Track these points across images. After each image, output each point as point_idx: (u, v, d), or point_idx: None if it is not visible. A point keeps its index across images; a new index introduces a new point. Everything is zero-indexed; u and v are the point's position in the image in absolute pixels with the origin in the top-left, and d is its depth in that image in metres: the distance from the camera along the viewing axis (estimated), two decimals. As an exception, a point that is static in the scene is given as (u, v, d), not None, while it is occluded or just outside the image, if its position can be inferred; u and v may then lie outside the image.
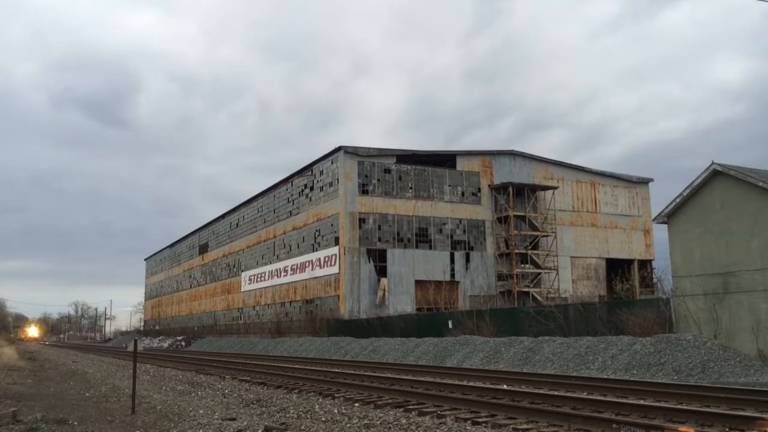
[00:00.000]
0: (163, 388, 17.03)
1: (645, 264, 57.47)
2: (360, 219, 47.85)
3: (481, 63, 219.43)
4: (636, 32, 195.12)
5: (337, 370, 21.26)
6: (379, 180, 49.04)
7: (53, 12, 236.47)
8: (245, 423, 9.64)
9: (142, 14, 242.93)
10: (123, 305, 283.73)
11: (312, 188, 53.26)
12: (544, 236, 52.37)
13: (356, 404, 12.24)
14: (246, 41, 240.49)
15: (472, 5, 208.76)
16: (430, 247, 49.62)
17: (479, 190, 52.17)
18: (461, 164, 51.87)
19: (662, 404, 10.69)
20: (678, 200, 22.80)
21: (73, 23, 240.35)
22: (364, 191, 48.40)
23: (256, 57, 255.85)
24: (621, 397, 12.08)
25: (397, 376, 17.95)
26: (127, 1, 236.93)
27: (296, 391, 15.15)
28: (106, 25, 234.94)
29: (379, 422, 9.71)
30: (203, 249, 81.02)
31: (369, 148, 49.22)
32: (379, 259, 48.06)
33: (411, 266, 48.62)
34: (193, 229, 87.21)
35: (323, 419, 10.34)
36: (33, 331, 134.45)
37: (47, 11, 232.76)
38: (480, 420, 9.78)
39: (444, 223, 50.44)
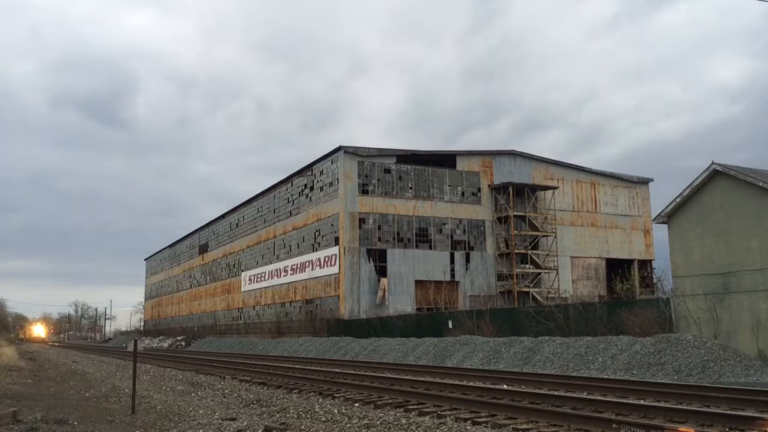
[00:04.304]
0: (163, 388, 17.03)
1: (645, 264, 57.49)
2: (360, 219, 47.87)
3: (480, 63, 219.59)
4: (634, 32, 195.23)
5: (337, 370, 21.26)
6: (379, 180, 49.06)
7: (50, 12, 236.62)
8: (245, 423, 9.64)
9: (139, 14, 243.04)
10: (123, 305, 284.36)
11: (312, 188, 53.28)
12: (544, 236, 52.39)
13: (356, 404, 12.24)
14: (243, 41, 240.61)
15: (469, 5, 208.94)
16: (430, 247, 49.63)
17: (479, 190, 52.18)
18: (461, 164, 51.89)
19: (662, 404, 10.70)
20: (678, 200, 22.80)
21: (70, 23, 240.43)
22: (364, 191, 48.41)
23: (253, 57, 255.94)
24: (621, 397, 12.08)
25: (397, 376, 17.95)
26: (125, 1, 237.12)
27: (296, 391, 15.15)
28: (104, 25, 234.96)
29: (379, 422, 9.71)
30: (203, 249, 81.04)
31: (369, 148, 49.24)
32: (379, 259, 48.07)
33: (411, 266, 48.63)
34: (193, 229, 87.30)
35: (323, 419, 10.34)
36: (39, 330, 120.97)
37: (44, 11, 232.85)
38: (480, 420, 9.78)
39: (444, 223, 50.46)
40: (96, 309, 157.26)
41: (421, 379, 17.05)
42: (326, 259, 49.56)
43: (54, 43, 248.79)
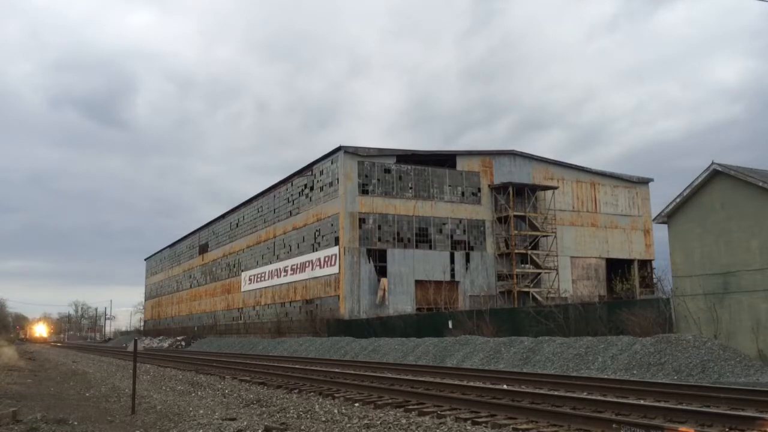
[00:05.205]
0: (163, 388, 17.03)
1: (645, 264, 57.49)
2: (360, 219, 47.87)
3: (479, 63, 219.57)
4: (634, 32, 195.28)
5: (337, 370, 21.26)
6: (379, 180, 49.06)
7: (50, 12, 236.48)
8: (245, 423, 9.64)
9: (138, 14, 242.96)
10: (123, 305, 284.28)
11: (312, 188, 53.28)
12: (544, 236, 52.39)
13: (356, 404, 12.24)
14: (243, 41, 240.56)
15: (469, 5, 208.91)
16: (430, 247, 49.63)
17: (479, 190, 52.18)
18: (461, 164, 51.89)
19: (662, 404, 10.70)
20: (678, 200, 22.79)
21: (69, 23, 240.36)
22: (364, 191, 48.42)
23: (253, 57, 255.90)
24: (621, 397, 12.08)
25: (397, 376, 17.95)
26: (124, 1, 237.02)
27: (296, 391, 15.15)
28: (103, 25, 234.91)
29: (379, 422, 9.71)
30: (203, 249, 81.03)
31: (369, 148, 49.25)
32: (379, 259, 48.07)
33: (411, 266, 48.63)
34: (193, 229, 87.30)
35: (323, 419, 10.34)
36: (41, 330, 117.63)
37: (43, 11, 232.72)
38: (480, 420, 9.78)
39: (444, 223, 50.46)
40: (96, 309, 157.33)
41: (421, 379, 17.05)
42: (326, 259, 49.56)
43: (53, 43, 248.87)
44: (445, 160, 51.84)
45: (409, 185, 49.90)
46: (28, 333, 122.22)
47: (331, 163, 50.13)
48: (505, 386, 14.38)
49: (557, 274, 52.08)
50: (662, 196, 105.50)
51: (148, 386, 17.41)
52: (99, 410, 12.92)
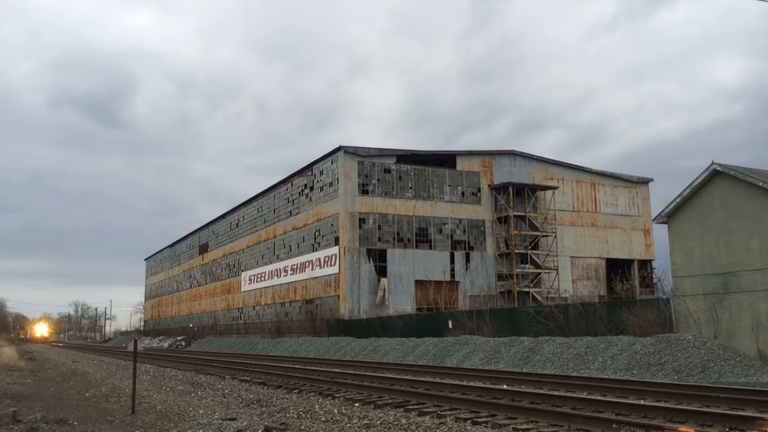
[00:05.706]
0: (163, 388, 17.03)
1: (645, 264, 57.48)
2: (360, 219, 47.88)
3: (479, 63, 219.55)
4: (634, 32, 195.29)
5: (337, 370, 21.26)
6: (379, 180, 49.06)
7: (49, 12, 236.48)
8: (245, 423, 9.64)
9: (138, 14, 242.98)
10: (123, 305, 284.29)
11: (312, 188, 53.29)
12: (544, 236, 52.39)
13: (356, 404, 12.24)
14: (243, 41, 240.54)
15: (469, 5, 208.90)
16: (430, 247, 49.63)
17: (479, 190, 52.19)
18: (461, 164, 51.89)
19: (662, 404, 10.69)
20: (678, 200, 22.80)
21: (69, 23, 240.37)
22: (364, 191, 48.42)
23: (253, 57, 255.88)
24: (621, 397, 12.08)
25: (397, 376, 17.94)
26: (124, 1, 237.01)
27: (296, 391, 15.15)
28: (103, 25, 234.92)
29: (379, 422, 9.70)
30: (203, 249, 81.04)
31: (369, 148, 49.25)
32: (379, 259, 48.07)
33: (411, 266, 48.63)
34: (193, 229, 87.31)
35: (323, 419, 10.34)
36: (42, 330, 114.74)
37: (43, 11, 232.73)
38: (480, 420, 9.78)
39: (444, 223, 50.46)
40: (96, 309, 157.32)
41: (421, 379, 17.04)
42: (326, 259, 49.56)
43: (53, 43, 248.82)
44: (445, 160, 51.85)
45: (409, 185, 49.90)
46: (28, 333, 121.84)
47: (331, 163, 50.13)
48: (505, 386, 14.38)
49: (557, 274, 52.08)
50: (662, 196, 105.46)
51: (148, 386, 17.41)
52: (99, 410, 12.92)
